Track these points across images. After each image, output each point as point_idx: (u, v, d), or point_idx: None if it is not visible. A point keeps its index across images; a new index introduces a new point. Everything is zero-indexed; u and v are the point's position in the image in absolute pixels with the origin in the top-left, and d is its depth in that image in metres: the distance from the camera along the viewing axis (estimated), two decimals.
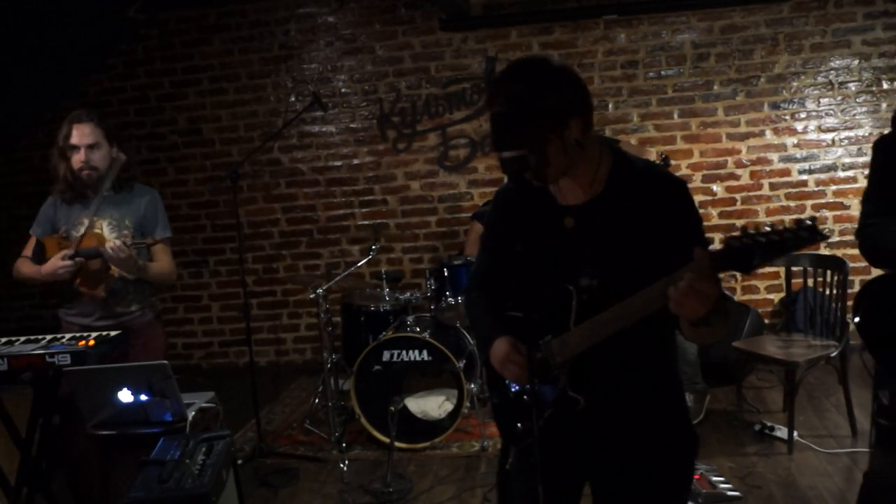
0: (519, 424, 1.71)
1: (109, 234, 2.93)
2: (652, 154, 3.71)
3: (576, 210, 1.59)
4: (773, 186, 5.05)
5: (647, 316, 1.43)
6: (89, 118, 2.93)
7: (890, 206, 2.10)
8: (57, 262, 2.82)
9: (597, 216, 1.56)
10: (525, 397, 1.70)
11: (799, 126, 5.01)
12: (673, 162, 3.73)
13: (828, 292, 3.68)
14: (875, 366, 2.16)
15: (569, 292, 1.56)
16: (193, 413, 3.00)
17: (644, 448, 1.61)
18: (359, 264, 4.43)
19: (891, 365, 2.04)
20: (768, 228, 1.24)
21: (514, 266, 1.68)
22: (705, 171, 5.10)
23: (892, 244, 2.03)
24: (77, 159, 2.89)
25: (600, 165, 1.57)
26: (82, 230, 2.91)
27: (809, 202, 5.02)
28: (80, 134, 2.89)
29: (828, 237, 1.19)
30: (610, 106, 5.12)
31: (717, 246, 1.33)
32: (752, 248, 1.23)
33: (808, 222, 1.22)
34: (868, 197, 2.26)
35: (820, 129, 4.99)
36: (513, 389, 1.75)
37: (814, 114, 4.98)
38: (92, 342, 2.62)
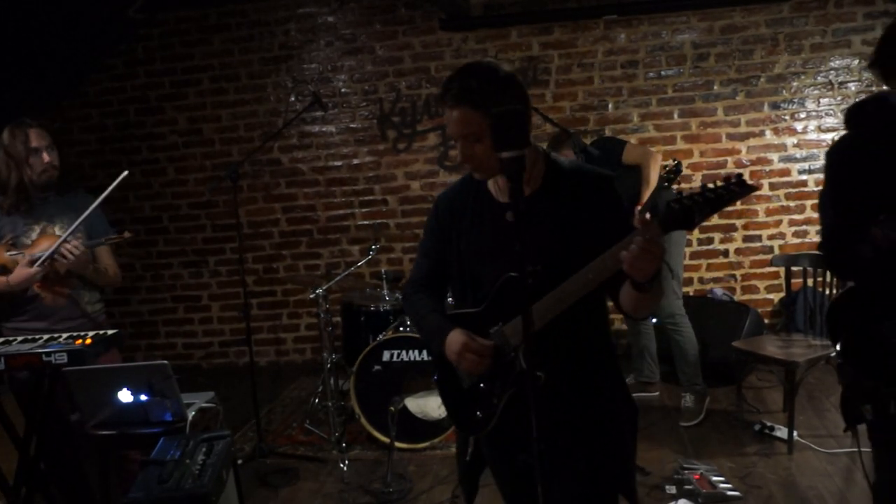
0: (478, 413, 1.80)
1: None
2: (658, 157, 3.71)
3: (514, 205, 1.67)
4: (773, 186, 5.05)
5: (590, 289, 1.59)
6: (37, 122, 2.94)
7: (850, 215, 2.00)
8: (29, 270, 2.78)
9: (534, 209, 1.72)
10: (481, 385, 1.79)
11: (799, 126, 5.01)
12: (660, 158, 3.73)
13: (828, 292, 3.68)
14: (849, 378, 2.06)
15: (515, 280, 1.67)
16: (193, 413, 3.00)
17: (592, 416, 1.75)
18: (359, 264, 4.43)
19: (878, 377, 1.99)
20: (705, 187, 1.37)
21: (468, 262, 1.81)
22: (705, 171, 5.10)
23: (859, 271, 2.02)
24: (42, 161, 2.89)
25: (535, 165, 1.75)
26: (34, 235, 2.91)
27: (809, 202, 5.02)
28: (38, 136, 2.90)
29: (757, 188, 1.42)
30: (610, 106, 5.12)
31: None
32: (692, 208, 1.36)
33: (735, 178, 1.36)
34: (824, 206, 2.16)
35: (820, 129, 4.99)
36: (468, 381, 1.83)
37: (814, 114, 4.98)
38: (89, 341, 2.62)
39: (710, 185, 1.37)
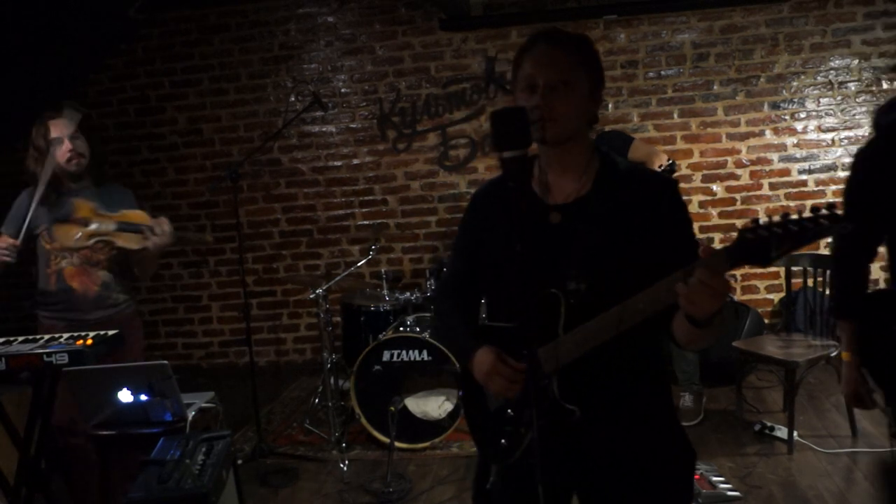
0: (503, 441, 1.61)
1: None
2: (663, 157, 3.71)
3: (563, 207, 1.56)
4: (772, 186, 5.05)
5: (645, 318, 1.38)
6: (60, 112, 2.96)
7: (860, 216, 2.07)
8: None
9: (585, 213, 1.53)
10: (509, 411, 1.59)
11: (799, 126, 5.01)
12: (677, 162, 3.73)
13: (828, 292, 3.68)
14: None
15: (556, 297, 1.48)
16: (193, 413, 3.01)
17: (639, 461, 1.54)
18: (359, 264, 4.43)
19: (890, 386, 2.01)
20: (787, 217, 1.18)
21: (502, 270, 1.59)
22: (705, 171, 5.10)
23: (841, 273, 2.17)
24: (64, 150, 2.91)
25: (590, 163, 1.58)
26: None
27: (809, 202, 5.02)
28: (59, 126, 2.93)
29: (850, 228, 1.17)
30: (610, 106, 5.12)
31: (716, 246, 1.32)
32: (769, 240, 1.17)
33: (826, 210, 1.15)
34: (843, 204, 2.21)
35: (820, 129, 4.99)
36: (495, 403, 1.64)
37: (814, 114, 4.98)
38: (90, 341, 2.62)
39: (795, 217, 1.16)
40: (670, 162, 3.61)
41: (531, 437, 1.33)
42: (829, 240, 4.98)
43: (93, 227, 2.92)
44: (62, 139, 2.92)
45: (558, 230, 1.54)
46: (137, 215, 2.94)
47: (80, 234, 2.92)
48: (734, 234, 1.25)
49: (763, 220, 1.19)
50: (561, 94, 1.50)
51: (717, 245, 5.10)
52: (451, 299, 1.78)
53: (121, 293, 3.06)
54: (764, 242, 1.17)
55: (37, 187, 2.90)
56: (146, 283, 5.74)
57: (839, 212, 1.14)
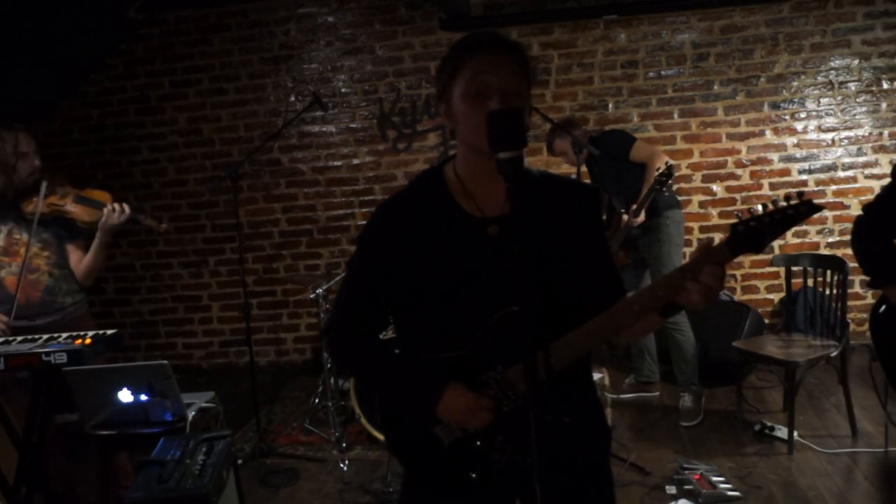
0: (472, 474, 1.50)
1: (29, 238, 2.98)
2: (663, 159, 3.72)
3: (499, 220, 1.47)
4: (773, 186, 5.05)
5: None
6: (26, 128, 2.97)
7: (882, 223, 2.64)
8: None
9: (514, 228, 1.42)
10: (478, 443, 1.48)
11: (799, 126, 5.01)
12: (667, 159, 3.73)
13: (828, 292, 3.68)
14: None
15: (511, 313, 1.40)
16: (193, 413, 3.00)
17: (569, 448, 1.53)
18: None
19: None
20: (767, 209, 1.30)
21: (445, 293, 1.46)
22: (705, 171, 5.10)
23: (864, 260, 2.76)
24: (29, 164, 2.92)
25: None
26: (1, 237, 2.95)
27: None
28: (28, 140, 2.93)
29: (821, 209, 1.32)
30: (610, 106, 5.12)
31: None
32: (760, 230, 1.29)
33: (797, 198, 1.29)
34: (871, 205, 2.79)
35: (820, 129, 4.99)
36: (450, 439, 1.52)
37: (814, 114, 4.98)
38: (88, 340, 2.62)
39: (773, 208, 1.29)
40: (668, 166, 3.62)
41: (530, 447, 1.25)
42: (831, 236, 4.98)
43: (54, 195, 2.94)
44: (29, 154, 2.92)
45: (498, 243, 1.46)
46: (100, 193, 3.00)
47: (39, 201, 2.93)
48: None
49: (744, 214, 1.31)
50: (514, 103, 1.40)
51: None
52: (358, 335, 1.57)
53: (66, 296, 3.06)
54: (755, 233, 1.29)
55: None
56: (147, 283, 5.75)
57: (812, 200, 1.29)
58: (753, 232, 1.29)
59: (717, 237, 5.09)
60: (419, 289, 1.48)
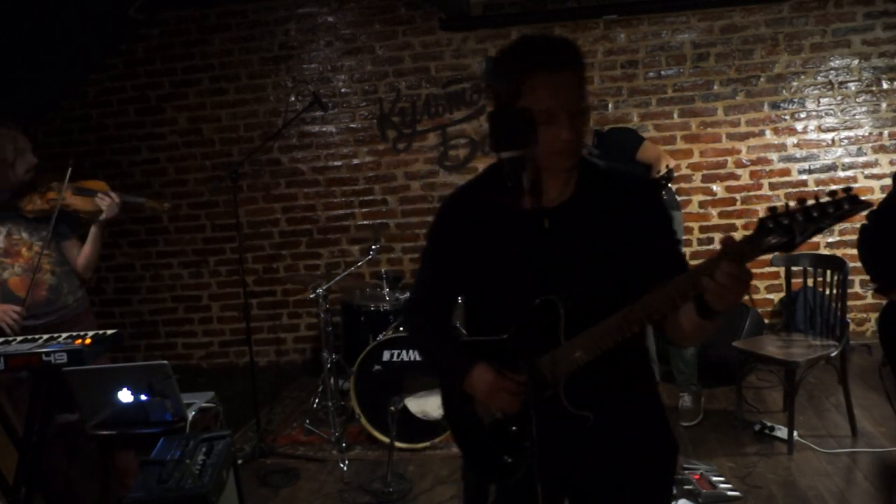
0: (506, 458, 1.55)
1: (30, 237, 3.00)
2: (669, 161, 3.72)
3: (549, 212, 1.51)
4: (772, 186, 5.05)
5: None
6: (19, 124, 3.03)
7: (887, 229, 2.70)
8: (10, 313, 2.87)
9: (573, 217, 1.49)
10: (514, 428, 1.53)
11: (799, 126, 5.01)
12: (674, 162, 3.74)
13: (828, 292, 3.68)
14: None
15: (553, 303, 1.43)
16: (193, 413, 3.00)
17: (629, 458, 1.55)
18: (359, 264, 4.43)
19: None
20: (806, 203, 1.17)
21: (492, 280, 1.53)
22: (705, 171, 5.10)
23: (871, 267, 2.78)
24: (28, 161, 2.95)
25: (574, 165, 1.51)
26: (1, 238, 2.96)
27: (809, 202, 5.01)
28: (24, 138, 2.97)
29: (869, 205, 1.16)
30: (610, 106, 5.12)
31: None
32: (792, 228, 1.16)
33: (844, 193, 1.15)
34: (876, 212, 2.82)
35: (820, 129, 4.99)
36: (490, 420, 1.58)
37: (814, 114, 4.98)
38: (88, 340, 2.62)
39: (812, 202, 1.16)
40: (669, 170, 3.62)
41: (533, 441, 1.30)
42: (836, 234, 4.97)
43: (51, 191, 2.96)
44: (26, 150, 2.94)
45: (549, 235, 1.50)
46: (96, 182, 3.04)
47: (38, 199, 2.96)
48: (734, 234, 1.25)
49: (780, 207, 1.19)
50: (581, 120, 1.43)
51: (717, 245, 5.10)
52: (427, 314, 1.69)
53: (69, 294, 3.08)
54: (787, 229, 1.17)
55: None
56: (147, 283, 5.75)
57: (859, 196, 1.14)
58: (784, 229, 1.16)
59: (717, 237, 5.10)
60: (474, 274, 1.56)
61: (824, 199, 1.15)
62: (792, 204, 1.17)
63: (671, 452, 1.63)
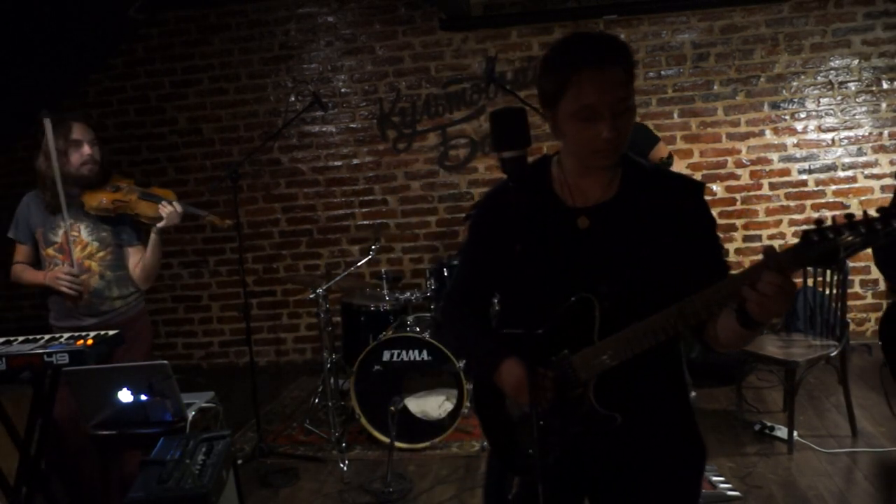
0: (530, 451, 1.54)
1: (87, 236, 2.99)
2: (665, 151, 3.73)
3: (590, 211, 1.51)
4: (772, 186, 5.05)
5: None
6: (83, 118, 3.01)
7: None
8: (59, 274, 2.89)
9: (614, 217, 1.49)
10: (541, 423, 1.51)
11: (799, 126, 5.01)
12: (675, 159, 3.74)
13: (828, 292, 3.68)
14: None
15: (589, 301, 1.44)
16: (193, 413, 3.01)
17: (654, 461, 1.54)
18: (359, 264, 4.43)
19: None
20: (854, 218, 1.14)
21: (527, 276, 1.53)
22: (705, 171, 5.10)
23: (886, 262, 2.57)
24: (82, 153, 2.92)
25: (616, 165, 1.52)
26: (59, 233, 2.95)
27: (809, 202, 5.02)
28: (83, 130, 2.95)
29: None
30: None
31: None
32: (837, 244, 1.15)
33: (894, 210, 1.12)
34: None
35: (820, 129, 4.99)
36: (518, 413, 1.59)
37: (814, 114, 4.98)
38: (90, 341, 2.62)
39: (860, 217, 1.13)
40: (668, 156, 3.63)
41: (551, 440, 1.32)
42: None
43: (119, 192, 2.98)
44: (82, 142, 2.92)
45: (587, 234, 1.50)
46: (164, 190, 3.07)
47: (104, 198, 2.95)
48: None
49: (827, 221, 1.17)
50: (625, 118, 1.42)
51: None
52: (463, 307, 1.71)
53: (117, 299, 3.05)
54: (832, 244, 1.15)
55: (42, 190, 2.95)
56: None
57: None
58: (829, 243, 1.15)
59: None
60: (512, 270, 1.55)
61: (872, 216, 1.13)
62: (839, 218, 1.16)
63: (699, 457, 1.61)
